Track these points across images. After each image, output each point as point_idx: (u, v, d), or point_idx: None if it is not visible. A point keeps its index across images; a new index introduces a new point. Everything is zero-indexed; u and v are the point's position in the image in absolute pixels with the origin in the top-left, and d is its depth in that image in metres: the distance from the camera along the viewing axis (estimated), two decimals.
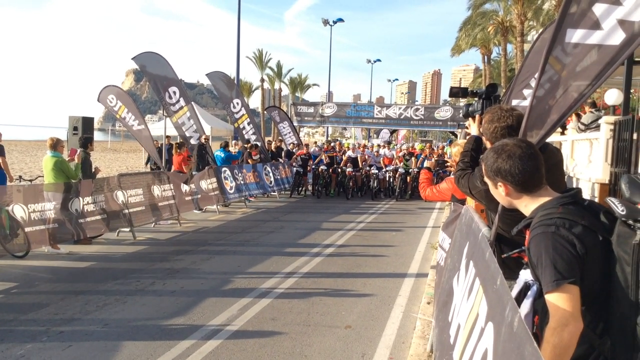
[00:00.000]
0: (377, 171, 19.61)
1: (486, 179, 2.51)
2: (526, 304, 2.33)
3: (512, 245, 2.99)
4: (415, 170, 18.98)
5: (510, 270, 2.66)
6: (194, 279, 7.65)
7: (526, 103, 6.87)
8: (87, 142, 10.52)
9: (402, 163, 19.62)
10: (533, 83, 6.88)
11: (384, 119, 30.65)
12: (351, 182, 19.12)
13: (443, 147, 26.47)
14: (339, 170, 19.22)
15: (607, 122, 9.59)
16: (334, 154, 19.91)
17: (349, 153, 19.60)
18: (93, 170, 10.31)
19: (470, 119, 3.86)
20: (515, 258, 2.93)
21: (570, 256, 2.06)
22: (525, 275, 2.50)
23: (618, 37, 2.50)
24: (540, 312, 2.24)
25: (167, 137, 18.28)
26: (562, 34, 2.64)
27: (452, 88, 4.41)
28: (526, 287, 2.44)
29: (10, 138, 54.84)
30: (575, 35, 2.64)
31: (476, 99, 4.04)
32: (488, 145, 3.20)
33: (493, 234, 2.99)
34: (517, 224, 2.95)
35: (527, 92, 6.75)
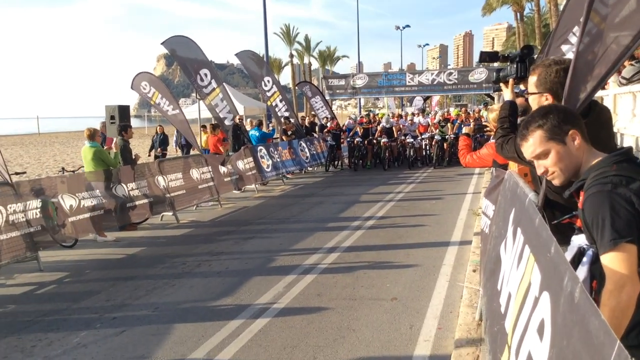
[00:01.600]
0: (412, 140, 19.38)
1: (550, 141, 2.28)
2: (582, 269, 2.24)
3: (563, 210, 2.88)
4: (452, 136, 18.69)
5: (564, 235, 2.56)
6: (238, 259, 7.74)
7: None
8: (123, 130, 10.66)
9: (437, 130, 19.30)
10: (572, 39, 6.63)
11: (416, 86, 30.17)
12: (387, 153, 18.95)
13: (479, 111, 25.98)
14: (374, 141, 19.06)
15: None
16: (369, 125, 19.74)
17: (383, 123, 19.39)
18: (133, 157, 10.47)
19: (502, 84, 3.70)
20: (568, 223, 2.83)
21: (628, 214, 1.96)
22: (578, 240, 2.40)
23: None
24: (598, 277, 2.15)
25: (160, 126, 18.39)
26: None
27: (482, 53, 4.23)
28: (580, 253, 2.35)
29: (50, 130, 56.29)
30: None
31: (508, 63, 3.85)
32: (544, 101, 2.97)
33: (541, 199, 2.89)
34: (567, 184, 2.84)
35: (565, 47, 6.51)
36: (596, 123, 2.73)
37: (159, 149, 17.34)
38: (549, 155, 2.27)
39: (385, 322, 5.22)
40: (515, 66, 3.58)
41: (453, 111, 25.95)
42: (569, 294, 1.73)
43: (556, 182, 2.32)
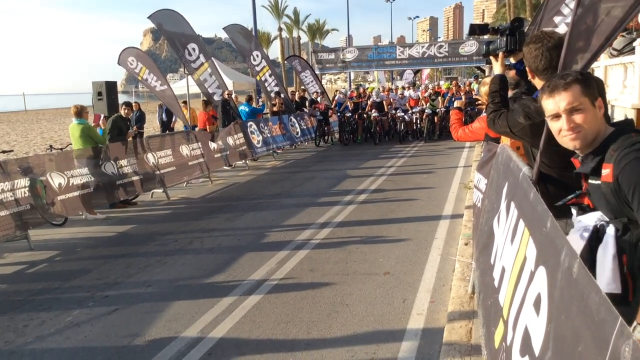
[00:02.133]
0: (403, 114, 19.31)
1: (586, 97, 2.23)
2: (609, 245, 2.20)
3: (557, 184, 2.87)
4: (443, 109, 18.63)
5: (559, 211, 2.54)
6: (231, 235, 7.72)
7: (558, 30, 6.56)
8: (128, 106, 10.76)
9: (428, 103, 19.22)
10: (564, 10, 6.56)
11: (407, 60, 29.92)
12: (378, 127, 18.90)
13: (470, 84, 25.85)
14: (365, 115, 18.98)
15: None
16: (359, 100, 19.63)
17: (374, 98, 19.28)
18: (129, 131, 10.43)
19: (492, 57, 3.64)
20: (565, 195, 2.81)
21: None
22: (588, 219, 2.36)
23: None
24: (628, 250, 2.13)
25: (136, 103, 15.66)
26: None
27: (471, 25, 4.15)
28: (596, 232, 2.31)
29: (37, 107, 55.61)
30: None
31: (498, 35, 3.78)
32: (530, 75, 3.01)
33: (535, 172, 2.87)
34: (561, 160, 2.82)
35: (557, 19, 6.45)
36: None
37: (134, 127, 16.99)
38: (581, 111, 2.21)
39: (378, 296, 5.24)
40: (505, 39, 3.51)
41: (444, 84, 25.84)
42: (567, 269, 1.71)
43: (576, 143, 2.25)
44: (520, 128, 2.94)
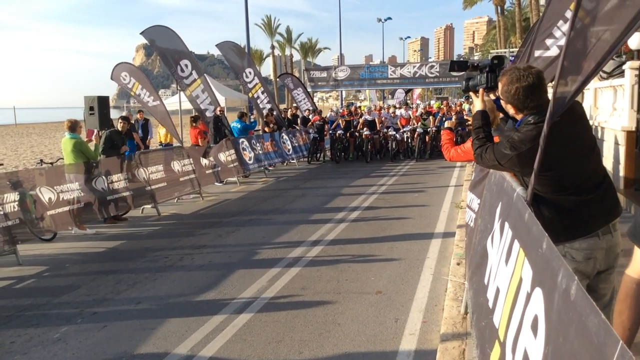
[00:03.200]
0: (394, 132, 19.39)
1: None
2: None
3: (551, 206, 2.88)
4: (434, 129, 18.73)
5: (556, 233, 2.55)
6: (221, 252, 7.67)
7: (550, 53, 6.65)
8: (125, 120, 10.75)
9: (419, 123, 19.32)
10: (556, 32, 6.65)
11: (398, 79, 30.18)
12: (369, 145, 18.95)
13: (460, 104, 26.06)
14: (357, 133, 19.05)
15: (632, 68, 9.31)
16: (351, 117, 19.70)
17: (365, 116, 19.35)
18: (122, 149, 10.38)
19: (472, 93, 3.67)
20: (561, 219, 2.82)
21: None
22: None
23: None
24: None
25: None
26: None
27: (451, 62, 4.19)
28: None
29: (28, 121, 55.35)
30: None
31: (477, 72, 3.80)
32: (510, 109, 3.07)
33: (530, 193, 2.88)
34: (554, 185, 2.84)
35: (549, 41, 6.53)
36: (571, 118, 2.74)
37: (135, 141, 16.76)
38: None
39: (370, 315, 5.21)
40: (485, 76, 3.54)
41: (434, 104, 26.03)
42: (564, 290, 1.71)
43: None
44: (508, 159, 2.96)
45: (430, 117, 19.53)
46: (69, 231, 8.88)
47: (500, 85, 3.07)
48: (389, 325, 4.99)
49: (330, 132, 19.31)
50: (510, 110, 3.08)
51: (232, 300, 5.70)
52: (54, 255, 7.87)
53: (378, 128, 19.32)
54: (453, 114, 18.96)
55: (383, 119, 19.82)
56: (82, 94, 13.35)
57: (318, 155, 19.86)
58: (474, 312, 3.69)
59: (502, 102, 3.17)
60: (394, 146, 19.26)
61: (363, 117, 19.31)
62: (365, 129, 18.82)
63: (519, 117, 3.06)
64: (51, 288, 6.37)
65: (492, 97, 3.66)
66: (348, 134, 19.01)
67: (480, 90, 3.51)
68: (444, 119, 18.25)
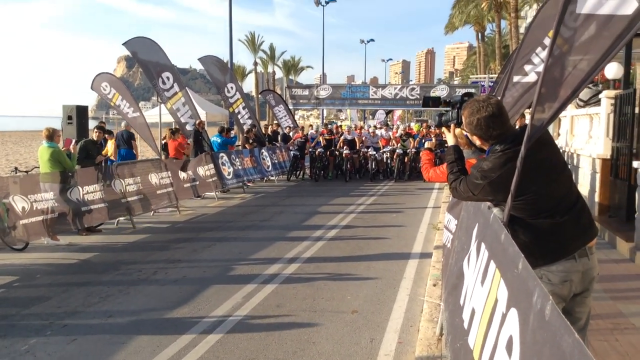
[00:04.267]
0: (374, 152, 19.50)
1: None
2: None
3: (526, 228, 2.91)
4: (413, 150, 18.88)
5: (534, 257, 2.56)
6: (196, 267, 7.59)
7: (528, 79, 6.76)
8: (106, 132, 10.63)
9: (399, 144, 19.46)
10: (534, 59, 6.78)
11: (379, 100, 30.39)
12: (349, 164, 19.01)
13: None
14: (337, 152, 19.11)
15: (607, 97, 9.52)
16: (332, 136, 19.76)
17: (346, 135, 19.43)
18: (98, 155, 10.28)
19: (444, 128, 3.75)
20: (537, 242, 2.85)
21: None
22: None
23: (631, 7, 2.41)
24: None
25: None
26: (571, 7, 2.56)
27: (425, 97, 4.32)
28: None
29: (4, 129, 54.43)
30: (586, 6, 2.55)
31: (449, 108, 3.90)
32: (476, 140, 3.13)
33: (506, 215, 2.91)
34: (528, 209, 2.88)
35: (528, 67, 6.65)
36: (538, 143, 2.79)
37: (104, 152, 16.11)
38: None
39: (345, 335, 5.18)
40: (456, 112, 3.61)
41: (414, 126, 26.26)
42: (539, 311, 1.72)
43: None
44: (480, 189, 2.99)
45: (410, 139, 19.70)
46: (41, 241, 8.70)
47: (463, 118, 3.13)
48: (364, 345, 4.96)
49: (311, 149, 19.33)
50: (477, 142, 3.15)
51: (205, 317, 5.62)
52: (25, 265, 7.71)
53: (358, 147, 19.41)
54: (432, 136, 19.15)
55: (363, 138, 19.93)
56: (61, 103, 13.22)
57: (298, 172, 19.85)
58: (449, 334, 3.69)
59: (467, 134, 3.23)
60: (373, 166, 19.35)
61: (343, 136, 19.38)
62: (345, 147, 18.88)
63: (485, 147, 3.12)
64: (21, 299, 6.23)
65: (464, 132, 3.73)
66: (328, 153, 19.06)
67: (452, 125, 3.58)
68: (423, 140, 18.43)
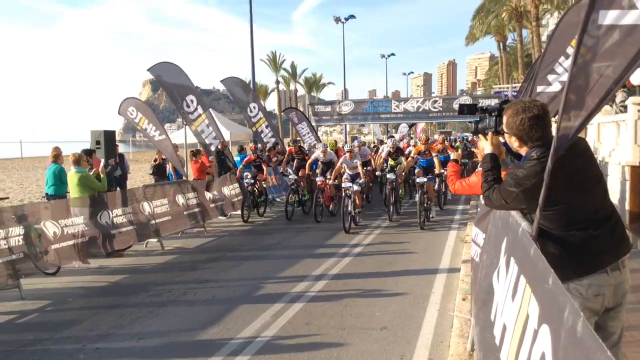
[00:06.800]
0: (350, 184, 12.35)
1: None
2: None
3: (557, 241, 2.87)
4: (402, 175, 14.85)
5: (564, 270, 2.53)
6: (225, 287, 7.63)
7: (552, 89, 6.69)
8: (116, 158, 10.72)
9: (385, 165, 15.24)
10: (558, 68, 6.71)
11: (402, 113, 30.36)
12: (322, 196, 13.86)
13: (463, 141, 25.89)
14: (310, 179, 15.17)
15: (634, 103, 9.37)
16: (305, 156, 16.46)
17: (319, 155, 14.58)
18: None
19: (481, 135, 3.68)
20: (569, 255, 2.80)
21: None
22: None
23: None
24: None
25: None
26: (593, 17, 2.54)
27: (460, 105, 4.23)
28: None
29: (35, 155, 55.67)
30: (608, 17, 2.54)
31: (487, 115, 3.82)
32: (514, 142, 3.09)
33: (535, 229, 2.87)
34: (560, 220, 2.84)
35: (551, 77, 6.59)
36: (574, 152, 2.75)
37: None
38: None
39: (375, 352, 5.14)
40: (494, 119, 3.55)
41: (438, 138, 25.95)
42: (571, 327, 1.70)
43: None
44: (513, 197, 2.96)
45: (402, 158, 15.18)
46: (72, 265, 8.84)
47: (505, 118, 3.09)
48: None
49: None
50: (515, 144, 3.09)
51: (235, 337, 5.64)
52: (57, 289, 7.84)
53: (332, 175, 13.57)
54: (451, 151, 16.23)
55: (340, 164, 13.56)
56: (89, 128, 13.47)
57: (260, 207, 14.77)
58: (481, 349, 3.64)
59: (506, 135, 3.18)
60: (349, 208, 12.06)
61: (315, 156, 14.88)
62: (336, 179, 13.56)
63: (522, 151, 3.07)
64: (54, 323, 6.33)
65: (501, 139, 3.66)
66: (299, 177, 15.06)
67: (490, 133, 3.52)
68: (423, 159, 14.36)
